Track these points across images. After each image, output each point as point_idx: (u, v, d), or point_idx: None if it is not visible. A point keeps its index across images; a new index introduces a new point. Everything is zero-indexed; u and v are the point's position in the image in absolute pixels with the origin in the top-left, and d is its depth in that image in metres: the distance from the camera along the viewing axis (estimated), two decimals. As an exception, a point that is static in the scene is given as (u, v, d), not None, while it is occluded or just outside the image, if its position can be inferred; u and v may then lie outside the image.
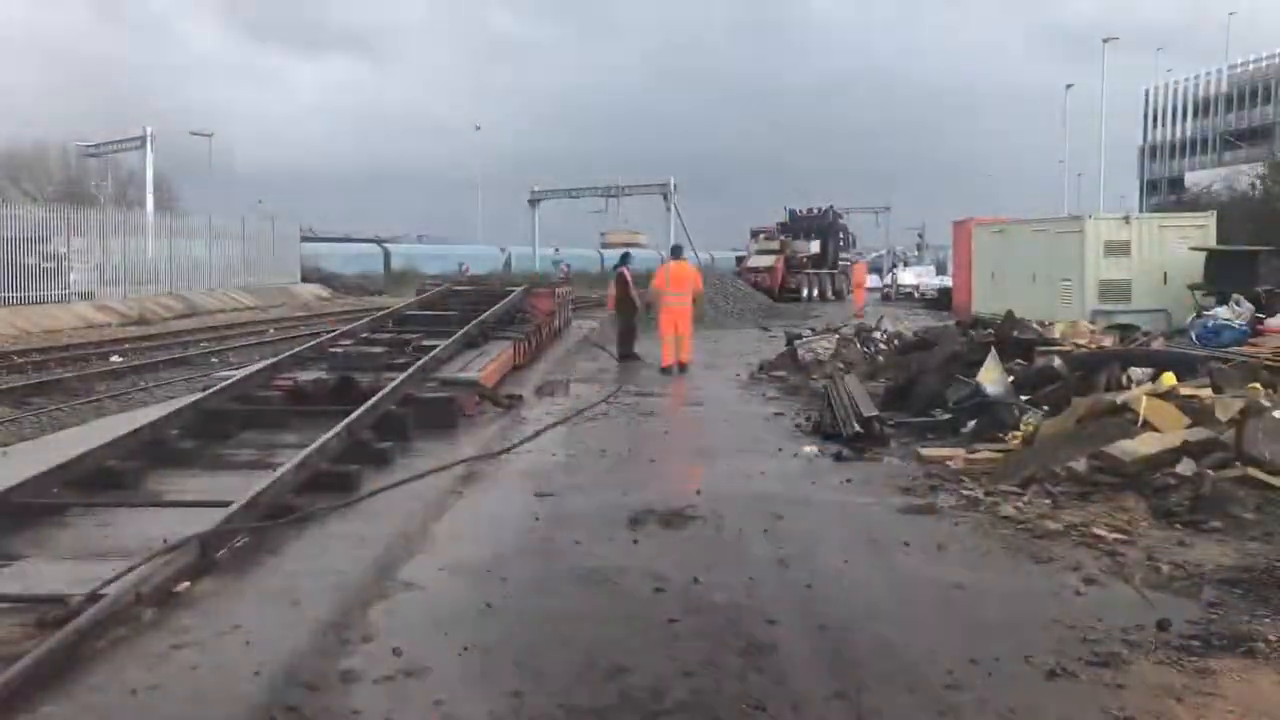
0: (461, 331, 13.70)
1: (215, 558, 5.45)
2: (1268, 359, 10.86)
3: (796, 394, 13.21)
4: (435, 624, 4.98)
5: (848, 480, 8.16)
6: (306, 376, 10.72)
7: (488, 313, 15.71)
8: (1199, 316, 17.75)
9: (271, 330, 25.94)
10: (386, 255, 58.33)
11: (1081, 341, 12.68)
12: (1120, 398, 8.59)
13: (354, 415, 8.40)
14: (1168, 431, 7.84)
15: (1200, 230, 22.48)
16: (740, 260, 43.14)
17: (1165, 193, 63.15)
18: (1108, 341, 13.04)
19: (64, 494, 6.77)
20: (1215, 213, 24.03)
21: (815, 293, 41.63)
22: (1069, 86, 52.50)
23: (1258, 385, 8.81)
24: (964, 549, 6.21)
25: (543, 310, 19.05)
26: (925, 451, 8.99)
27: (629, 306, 17.67)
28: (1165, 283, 21.28)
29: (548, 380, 14.15)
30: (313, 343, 13.53)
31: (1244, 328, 16.15)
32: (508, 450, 9.09)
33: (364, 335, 14.29)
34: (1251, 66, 65.39)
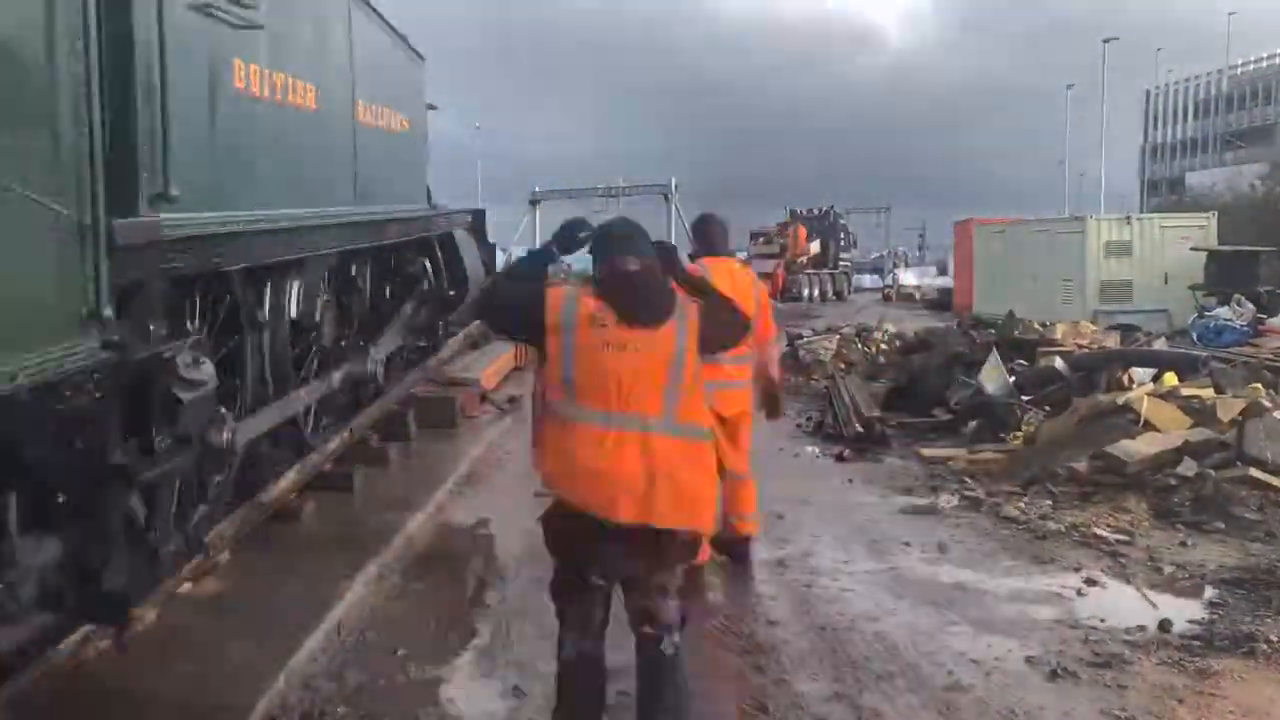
0: (463, 332, 13.69)
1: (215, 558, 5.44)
2: (1269, 359, 10.85)
3: (797, 394, 13.20)
4: (436, 625, 4.99)
5: (849, 480, 8.15)
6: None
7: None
8: (1200, 317, 17.72)
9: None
10: (388, 255, 58.34)
11: (1083, 342, 12.67)
12: (1121, 398, 8.59)
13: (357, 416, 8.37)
14: (1169, 432, 7.84)
15: (1201, 230, 22.44)
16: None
17: (1166, 193, 63.11)
18: (1109, 342, 13.04)
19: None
20: (1216, 213, 24.00)
21: (816, 293, 41.59)
22: (1069, 86, 52.45)
23: (1259, 385, 8.81)
24: (965, 549, 6.21)
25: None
26: (926, 452, 8.99)
27: None
28: (1166, 283, 21.24)
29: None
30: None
31: (1245, 328, 16.11)
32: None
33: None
34: (1252, 67, 65.40)
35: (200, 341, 4.36)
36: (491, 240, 11.05)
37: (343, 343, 7.26)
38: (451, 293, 9.51)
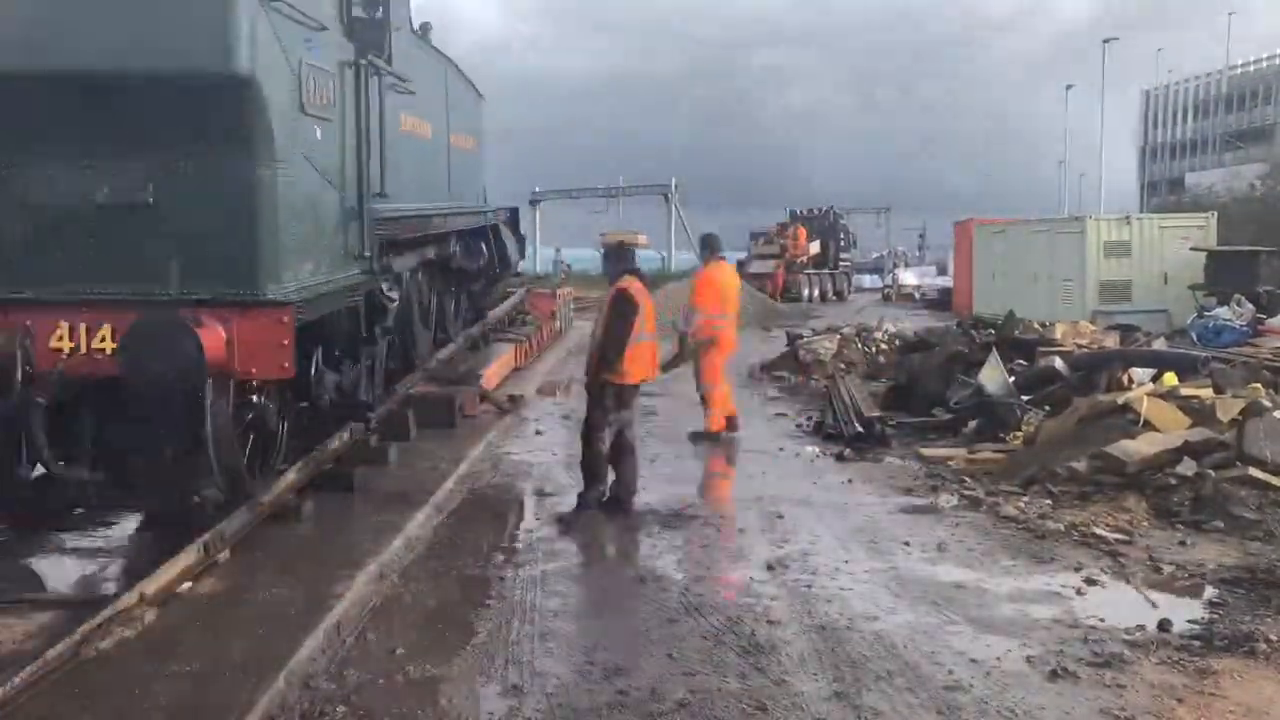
0: (464, 333, 13.68)
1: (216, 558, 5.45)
2: (1268, 359, 10.85)
3: (797, 394, 13.22)
4: (435, 625, 4.99)
5: (849, 480, 8.15)
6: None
7: (490, 314, 15.68)
8: (1200, 317, 17.71)
9: None
10: (388, 255, 58.13)
11: (1082, 342, 12.67)
12: (1121, 398, 8.58)
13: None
14: (1169, 432, 7.83)
15: (1200, 230, 22.44)
16: (740, 265, 43.07)
17: (1165, 193, 63.08)
18: (1109, 342, 13.03)
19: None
20: (1215, 213, 23.99)
21: (816, 293, 41.57)
22: (1069, 87, 52.36)
23: (1259, 385, 8.81)
24: (965, 549, 6.21)
25: (544, 311, 19.04)
26: (926, 451, 8.99)
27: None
28: (1166, 283, 21.24)
29: (549, 381, 14.14)
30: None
31: (1245, 328, 16.10)
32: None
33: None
34: (1252, 67, 65.33)
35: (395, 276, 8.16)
36: (523, 232, 14.62)
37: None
38: (497, 269, 12.98)
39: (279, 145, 5.48)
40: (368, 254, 6.85)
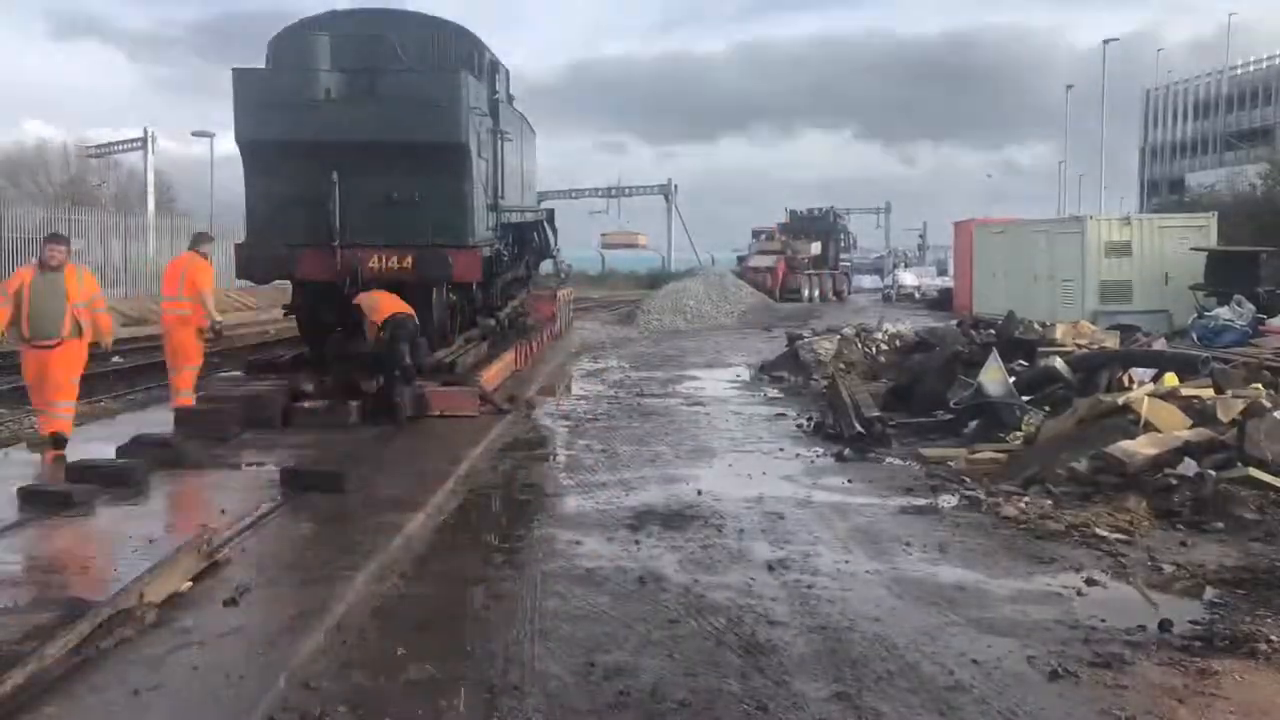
0: (464, 335, 13.68)
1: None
2: (1269, 359, 10.85)
3: (798, 394, 13.21)
4: (436, 625, 4.99)
5: (849, 481, 8.15)
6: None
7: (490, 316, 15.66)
8: (1200, 317, 17.70)
9: (272, 330, 25.89)
10: (388, 256, 58.19)
11: (1083, 342, 12.67)
12: (1122, 398, 8.58)
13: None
14: (1169, 432, 7.83)
15: (1201, 231, 22.43)
16: (741, 260, 43.15)
17: (1166, 194, 63.01)
18: (1109, 342, 13.03)
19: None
20: (1216, 213, 23.97)
21: (816, 293, 41.61)
22: (1069, 87, 52.32)
23: (1259, 386, 8.81)
24: (965, 549, 6.21)
25: (544, 313, 19.03)
26: (927, 452, 8.99)
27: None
28: (1166, 283, 21.23)
29: (549, 382, 14.15)
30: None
31: (1245, 328, 16.11)
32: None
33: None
34: (1252, 68, 65.30)
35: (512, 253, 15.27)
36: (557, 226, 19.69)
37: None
38: (544, 250, 18.67)
39: (473, 174, 11.16)
40: (496, 229, 12.66)
